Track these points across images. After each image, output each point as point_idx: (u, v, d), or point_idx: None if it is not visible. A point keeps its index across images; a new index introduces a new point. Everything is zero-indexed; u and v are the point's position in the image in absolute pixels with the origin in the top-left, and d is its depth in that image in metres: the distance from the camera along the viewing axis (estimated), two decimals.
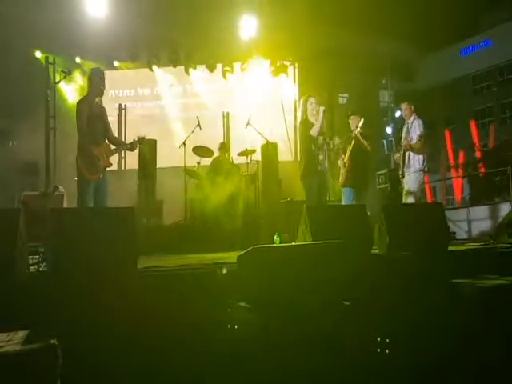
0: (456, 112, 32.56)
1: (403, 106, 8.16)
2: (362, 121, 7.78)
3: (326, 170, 7.06)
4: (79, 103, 6.21)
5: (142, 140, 6.50)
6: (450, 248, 5.63)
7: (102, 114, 6.37)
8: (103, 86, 6.34)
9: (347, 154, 7.91)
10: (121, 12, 10.44)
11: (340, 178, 8.11)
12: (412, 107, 8.02)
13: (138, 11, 10.73)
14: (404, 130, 8.17)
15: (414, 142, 7.74)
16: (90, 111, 6.15)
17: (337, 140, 8.43)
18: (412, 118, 7.92)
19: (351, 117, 8.07)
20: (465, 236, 9.93)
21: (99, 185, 6.05)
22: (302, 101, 7.21)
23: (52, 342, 2.30)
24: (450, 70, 32.46)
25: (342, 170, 8.05)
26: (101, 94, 6.41)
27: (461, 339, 3.36)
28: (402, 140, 8.09)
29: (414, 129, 7.80)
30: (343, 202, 8.01)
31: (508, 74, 32.19)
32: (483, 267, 4.99)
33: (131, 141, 6.52)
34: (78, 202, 5.95)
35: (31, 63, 10.83)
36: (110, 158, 6.24)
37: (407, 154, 7.79)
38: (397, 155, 8.34)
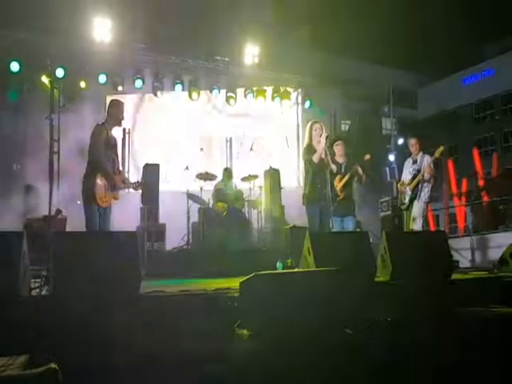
0: (458, 140, 32.64)
1: (412, 141, 8.33)
2: (359, 169, 7.47)
3: (331, 198, 6.83)
4: (97, 127, 6.13)
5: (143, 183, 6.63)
6: (454, 276, 5.60)
7: (115, 145, 6.35)
8: (122, 116, 6.31)
9: (341, 184, 7.55)
10: (126, 38, 10.59)
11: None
12: (420, 143, 8.18)
13: (142, 38, 10.90)
14: (409, 163, 8.28)
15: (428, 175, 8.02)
16: (107, 138, 6.11)
17: None
18: (421, 153, 8.11)
19: (337, 143, 7.77)
20: (468, 264, 9.87)
21: (105, 211, 6.04)
22: (307, 126, 7.15)
23: (53, 366, 2.28)
24: (452, 98, 32.64)
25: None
26: (119, 124, 6.35)
27: (462, 369, 3.33)
28: (408, 173, 8.22)
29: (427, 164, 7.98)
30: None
31: (510, 102, 32.33)
32: (487, 296, 4.96)
33: (136, 180, 6.58)
34: (86, 226, 5.88)
35: (36, 87, 10.93)
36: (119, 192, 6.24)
37: (419, 185, 7.96)
38: (401, 187, 8.40)
